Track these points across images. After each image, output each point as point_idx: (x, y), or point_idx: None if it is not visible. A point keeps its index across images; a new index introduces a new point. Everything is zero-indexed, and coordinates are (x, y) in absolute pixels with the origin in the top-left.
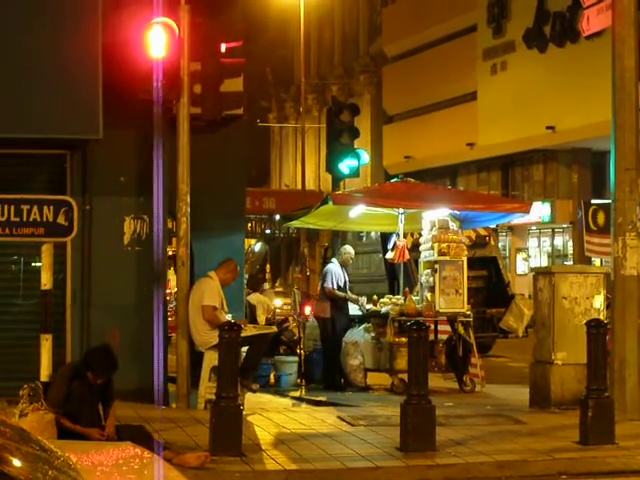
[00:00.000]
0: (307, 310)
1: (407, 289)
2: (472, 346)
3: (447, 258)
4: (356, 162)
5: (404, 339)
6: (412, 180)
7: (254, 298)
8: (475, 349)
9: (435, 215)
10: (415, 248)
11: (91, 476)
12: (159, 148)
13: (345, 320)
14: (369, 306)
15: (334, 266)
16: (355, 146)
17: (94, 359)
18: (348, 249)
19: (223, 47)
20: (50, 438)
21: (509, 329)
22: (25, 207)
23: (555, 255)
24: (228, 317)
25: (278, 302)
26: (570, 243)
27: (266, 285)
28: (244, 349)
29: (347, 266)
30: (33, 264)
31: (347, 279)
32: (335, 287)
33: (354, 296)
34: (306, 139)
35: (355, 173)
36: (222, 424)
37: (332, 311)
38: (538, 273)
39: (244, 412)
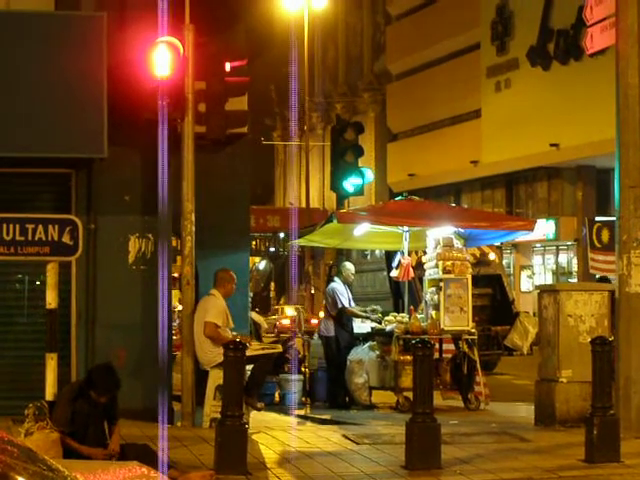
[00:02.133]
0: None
1: (412, 307)
2: (476, 363)
3: (452, 276)
4: (360, 180)
5: (409, 357)
6: (416, 198)
7: (254, 316)
8: (479, 367)
9: (439, 233)
10: (420, 266)
11: None
12: (164, 167)
13: (349, 338)
14: (375, 316)
15: (338, 285)
16: (359, 164)
17: (96, 378)
18: (348, 266)
19: (227, 66)
20: (55, 457)
21: (514, 347)
22: (30, 226)
23: (560, 272)
24: (233, 334)
25: None
26: (575, 260)
27: None
28: (249, 367)
29: (350, 283)
30: (38, 283)
31: (350, 297)
32: (347, 305)
33: (371, 315)
34: (310, 157)
35: (359, 191)
36: (227, 442)
37: (336, 329)
38: (543, 291)
39: (249, 430)
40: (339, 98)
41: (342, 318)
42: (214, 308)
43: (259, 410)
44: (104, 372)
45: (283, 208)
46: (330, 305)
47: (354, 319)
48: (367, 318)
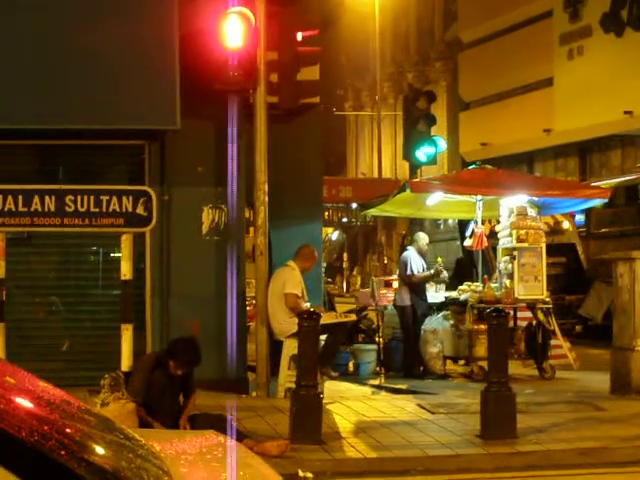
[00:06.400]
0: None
1: (485, 276)
2: (551, 333)
3: (526, 245)
4: (433, 149)
5: (483, 326)
6: (489, 167)
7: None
8: (559, 333)
9: (513, 202)
10: (493, 235)
11: (175, 464)
12: (235, 138)
13: (425, 307)
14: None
15: (412, 253)
16: (432, 133)
17: (180, 350)
18: (422, 236)
19: (299, 36)
20: (132, 427)
21: (588, 316)
22: (104, 198)
23: None
24: (307, 305)
25: None
26: None
27: None
28: (323, 337)
29: (424, 253)
30: (112, 254)
31: (425, 266)
32: (416, 273)
33: (433, 271)
34: (382, 127)
35: (432, 160)
36: (302, 412)
37: (412, 298)
38: (618, 259)
39: (324, 400)
40: (410, 67)
41: (415, 286)
42: (292, 279)
43: (333, 378)
44: (189, 345)
45: (356, 179)
46: (404, 273)
47: (427, 288)
48: (432, 277)
